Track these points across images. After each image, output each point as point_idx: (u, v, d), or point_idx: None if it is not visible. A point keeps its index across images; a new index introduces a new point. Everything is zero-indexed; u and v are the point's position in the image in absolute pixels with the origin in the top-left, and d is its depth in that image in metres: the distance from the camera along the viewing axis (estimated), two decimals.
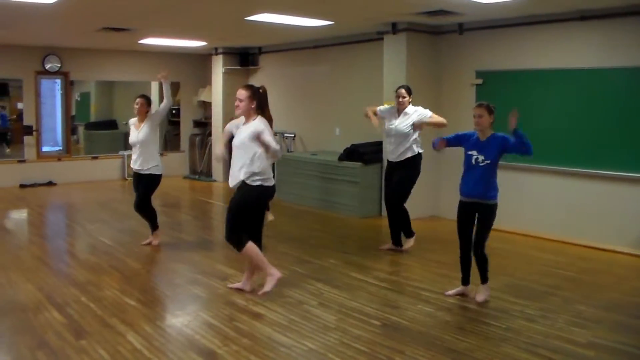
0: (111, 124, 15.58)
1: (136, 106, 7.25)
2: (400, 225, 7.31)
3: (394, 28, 9.08)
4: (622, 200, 7.39)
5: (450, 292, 5.69)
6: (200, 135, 14.62)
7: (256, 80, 13.27)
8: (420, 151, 7.13)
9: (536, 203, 8.27)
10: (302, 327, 4.83)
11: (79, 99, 15.26)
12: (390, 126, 7.15)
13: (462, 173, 5.51)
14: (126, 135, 15.52)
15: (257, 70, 13.33)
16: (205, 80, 14.32)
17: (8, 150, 14.52)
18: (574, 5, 7.46)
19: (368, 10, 8.02)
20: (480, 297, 5.48)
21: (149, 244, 7.49)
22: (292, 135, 12.06)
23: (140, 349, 4.36)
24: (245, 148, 5.35)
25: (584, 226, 7.76)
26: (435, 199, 9.57)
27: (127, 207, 9.17)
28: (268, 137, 5.31)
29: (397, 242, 7.37)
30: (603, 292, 4.67)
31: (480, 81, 8.78)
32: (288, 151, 11.88)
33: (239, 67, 13.40)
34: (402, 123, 7.03)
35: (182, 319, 5.07)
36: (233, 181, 5.44)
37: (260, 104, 5.49)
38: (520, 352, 4.39)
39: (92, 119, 15.75)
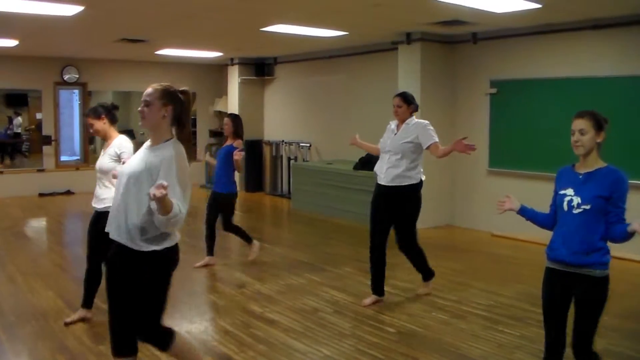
0: (129, 134, 15.62)
1: (91, 123, 5.05)
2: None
3: (408, 38, 9.14)
4: (632, 209, 7.33)
5: None
6: (216, 144, 14.72)
7: (272, 91, 13.41)
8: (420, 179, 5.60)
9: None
10: (318, 334, 4.89)
11: None
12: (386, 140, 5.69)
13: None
14: (141, 145, 15.64)
15: (272, 80, 13.43)
16: (221, 90, 14.46)
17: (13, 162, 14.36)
18: (586, 15, 7.50)
19: (382, 20, 8.08)
20: None
21: None
22: (308, 144, 12.17)
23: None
24: (135, 187, 3.39)
25: None
26: (450, 207, 9.63)
27: None
28: (171, 195, 3.22)
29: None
30: (618, 300, 4.67)
31: (494, 90, 8.81)
32: (304, 160, 12.06)
33: (254, 77, 13.49)
34: (399, 137, 5.55)
35: (200, 325, 5.15)
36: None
37: (179, 115, 3.56)
38: (534, 359, 4.41)
39: None
